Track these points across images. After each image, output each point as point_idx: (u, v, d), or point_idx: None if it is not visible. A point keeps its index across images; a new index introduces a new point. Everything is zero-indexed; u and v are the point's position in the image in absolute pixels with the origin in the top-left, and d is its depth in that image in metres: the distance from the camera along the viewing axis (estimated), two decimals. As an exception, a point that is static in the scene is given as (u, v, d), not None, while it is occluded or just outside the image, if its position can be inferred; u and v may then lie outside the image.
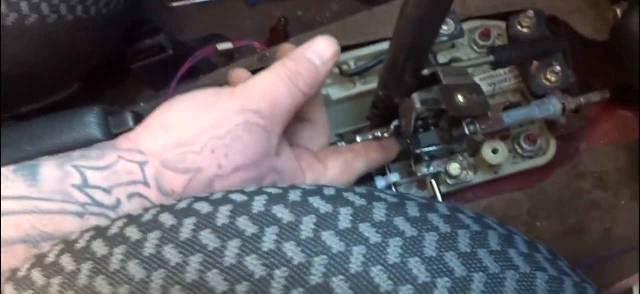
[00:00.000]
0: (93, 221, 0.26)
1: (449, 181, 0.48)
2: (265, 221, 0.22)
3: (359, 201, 0.23)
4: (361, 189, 0.24)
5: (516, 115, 0.46)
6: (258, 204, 0.22)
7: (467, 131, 0.45)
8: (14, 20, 0.36)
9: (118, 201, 0.28)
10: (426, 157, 0.48)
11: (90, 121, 0.41)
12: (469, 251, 0.22)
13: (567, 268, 0.25)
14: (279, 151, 0.34)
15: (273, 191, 0.23)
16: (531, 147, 0.49)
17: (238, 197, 0.23)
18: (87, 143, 0.41)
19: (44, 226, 0.25)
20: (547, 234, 0.47)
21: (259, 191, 0.23)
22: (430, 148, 0.47)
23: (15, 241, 0.24)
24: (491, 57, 0.48)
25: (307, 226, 0.21)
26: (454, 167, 0.48)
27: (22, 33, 0.36)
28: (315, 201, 0.22)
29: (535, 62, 0.48)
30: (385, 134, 0.45)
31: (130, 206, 0.28)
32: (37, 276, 0.22)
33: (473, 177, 0.49)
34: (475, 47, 0.52)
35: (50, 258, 0.23)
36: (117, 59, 0.59)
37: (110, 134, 0.41)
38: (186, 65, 0.55)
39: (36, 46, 0.39)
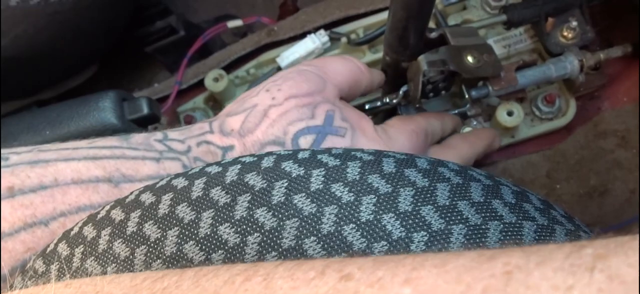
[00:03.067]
0: (168, 164, 0.31)
1: (463, 146, 0.47)
2: (238, 190, 0.22)
3: (333, 162, 0.22)
4: (338, 150, 0.23)
5: (531, 75, 0.44)
6: (231, 174, 0.22)
7: (478, 94, 0.44)
8: (18, 0, 0.36)
9: (189, 148, 0.33)
10: (439, 124, 0.47)
11: (106, 106, 0.42)
12: (447, 203, 0.21)
13: (562, 218, 0.24)
14: (338, 102, 0.37)
15: (247, 159, 0.23)
16: (549, 109, 0.48)
17: (212, 170, 0.23)
18: (103, 128, 0.42)
19: (126, 169, 0.29)
20: (567, 197, 0.46)
21: (234, 161, 0.23)
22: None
23: (101, 180, 0.28)
24: (504, 17, 0.46)
25: (278, 191, 0.21)
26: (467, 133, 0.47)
27: (27, 13, 0.37)
28: (288, 166, 0.22)
29: (550, 19, 0.46)
30: (394, 100, 0.44)
31: (199, 151, 0.33)
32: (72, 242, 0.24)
33: (489, 142, 0.48)
34: (487, 8, 0.50)
35: (101, 214, 0.24)
36: (132, 42, 0.60)
37: (125, 120, 0.42)
38: (197, 43, 0.55)
39: (43, 27, 0.40)
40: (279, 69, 0.50)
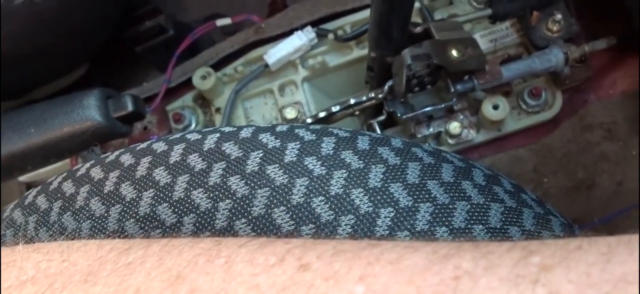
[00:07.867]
0: None
1: (450, 141, 0.47)
2: (214, 158, 0.22)
3: (309, 137, 0.23)
4: (316, 127, 0.24)
5: (516, 68, 0.45)
6: (210, 141, 0.22)
7: (463, 88, 0.44)
8: (2, 1, 0.36)
9: None
10: (425, 118, 0.47)
11: (90, 104, 0.42)
12: (417, 182, 0.21)
13: (532, 202, 0.24)
14: None
15: (227, 129, 0.23)
16: (536, 102, 0.48)
17: (192, 136, 0.23)
18: (88, 125, 0.42)
19: None
20: (554, 191, 0.46)
21: (214, 130, 0.23)
22: (427, 109, 0.46)
23: None
24: (489, 11, 0.46)
25: (253, 161, 0.21)
26: (454, 127, 0.47)
27: (12, 13, 0.37)
28: (265, 138, 0.22)
29: (535, 13, 0.46)
30: (380, 95, 0.45)
31: None
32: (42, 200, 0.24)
33: (475, 136, 0.48)
34: (474, 3, 0.50)
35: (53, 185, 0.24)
36: (122, 42, 0.60)
37: (110, 117, 0.42)
38: (186, 42, 0.56)
39: (29, 27, 0.40)
40: (266, 66, 0.50)
